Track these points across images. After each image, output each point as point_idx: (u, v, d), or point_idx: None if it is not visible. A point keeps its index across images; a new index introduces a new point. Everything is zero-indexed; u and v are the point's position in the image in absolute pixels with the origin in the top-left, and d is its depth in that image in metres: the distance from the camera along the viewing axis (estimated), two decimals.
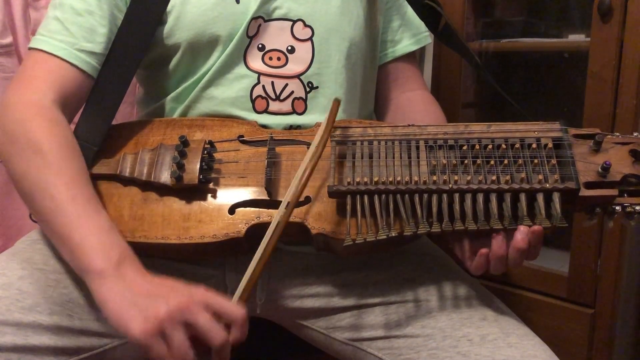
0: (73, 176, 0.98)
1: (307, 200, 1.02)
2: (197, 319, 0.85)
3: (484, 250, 0.94)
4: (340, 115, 1.16)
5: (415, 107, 1.28)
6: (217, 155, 1.07)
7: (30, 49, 1.11)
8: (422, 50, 1.71)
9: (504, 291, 1.56)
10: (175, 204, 1.04)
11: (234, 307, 0.89)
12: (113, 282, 0.89)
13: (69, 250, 0.94)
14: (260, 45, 1.14)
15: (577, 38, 1.59)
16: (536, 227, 0.91)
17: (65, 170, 0.98)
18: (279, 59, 1.14)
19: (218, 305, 0.88)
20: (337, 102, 1.03)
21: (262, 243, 0.95)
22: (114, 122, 1.14)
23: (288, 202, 0.96)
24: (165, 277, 0.92)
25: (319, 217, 1.01)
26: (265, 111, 1.14)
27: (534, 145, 0.97)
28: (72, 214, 0.94)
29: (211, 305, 0.88)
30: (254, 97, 1.13)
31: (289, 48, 1.14)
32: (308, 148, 1.00)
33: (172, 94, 1.18)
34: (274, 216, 0.96)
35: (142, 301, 0.86)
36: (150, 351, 0.85)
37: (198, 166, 1.03)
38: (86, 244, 0.92)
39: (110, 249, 0.92)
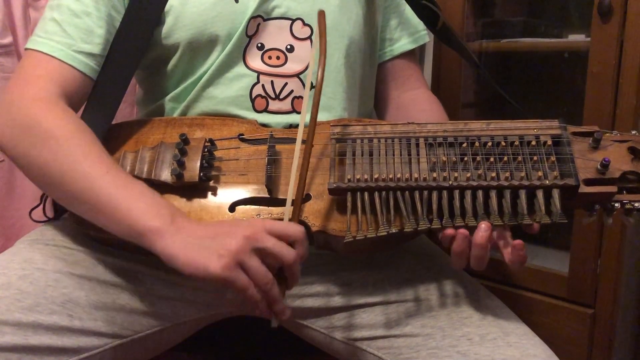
0: (100, 154, 1.00)
1: (308, 197, 1.02)
2: (265, 244, 0.90)
3: (462, 231, 0.94)
4: (340, 114, 1.17)
5: (418, 106, 1.28)
6: (217, 153, 1.07)
7: (27, 49, 1.11)
8: (421, 50, 1.71)
9: (504, 291, 1.55)
10: (176, 202, 1.03)
11: (293, 226, 0.93)
12: (174, 236, 0.91)
13: (118, 221, 0.95)
14: (259, 45, 1.14)
15: (577, 38, 1.59)
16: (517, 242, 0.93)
17: (91, 149, 1.00)
18: (278, 58, 1.14)
19: (278, 229, 0.92)
20: (322, 13, 1.02)
21: (293, 164, 0.97)
22: (114, 122, 1.13)
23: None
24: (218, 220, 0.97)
25: (319, 215, 1.01)
26: (265, 110, 1.14)
27: (533, 143, 0.97)
28: (111, 186, 0.96)
29: (273, 230, 0.91)
30: (253, 96, 1.14)
31: (288, 47, 1.15)
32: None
33: (172, 94, 1.18)
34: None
35: (210, 243, 0.90)
36: (234, 284, 0.89)
37: (198, 164, 1.03)
38: (135, 209, 0.94)
39: (159, 208, 0.94)
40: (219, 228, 0.92)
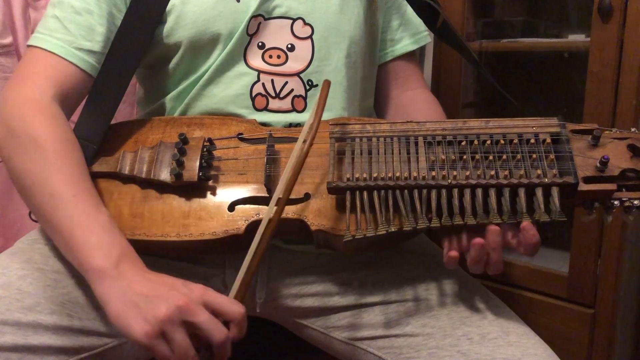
0: (74, 174, 0.98)
1: (307, 196, 1.02)
2: (197, 318, 0.86)
3: (478, 240, 0.93)
4: (340, 113, 1.17)
5: (417, 106, 1.28)
6: (216, 153, 1.07)
7: (28, 46, 1.11)
8: (422, 50, 1.71)
9: (504, 291, 1.56)
10: (175, 202, 1.04)
11: (232, 304, 0.90)
12: (113, 281, 0.89)
13: (69, 249, 0.94)
14: (260, 44, 1.14)
15: (577, 38, 1.59)
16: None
17: (66, 167, 0.98)
18: (279, 57, 1.14)
19: (216, 304, 0.89)
20: (327, 83, 1.03)
21: (254, 239, 0.94)
22: (113, 122, 1.13)
23: (279, 198, 0.95)
24: (164, 275, 0.92)
25: (318, 214, 1.01)
26: (265, 109, 1.14)
27: (532, 141, 0.97)
28: (73, 213, 0.94)
29: (209, 303, 0.88)
30: (253, 95, 1.14)
31: (289, 46, 1.15)
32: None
33: (173, 93, 1.18)
34: (265, 212, 0.96)
35: (141, 302, 0.86)
36: (153, 352, 0.86)
37: (197, 163, 1.03)
38: (86, 242, 0.92)
39: (110, 247, 0.92)
40: (157, 287, 0.89)
